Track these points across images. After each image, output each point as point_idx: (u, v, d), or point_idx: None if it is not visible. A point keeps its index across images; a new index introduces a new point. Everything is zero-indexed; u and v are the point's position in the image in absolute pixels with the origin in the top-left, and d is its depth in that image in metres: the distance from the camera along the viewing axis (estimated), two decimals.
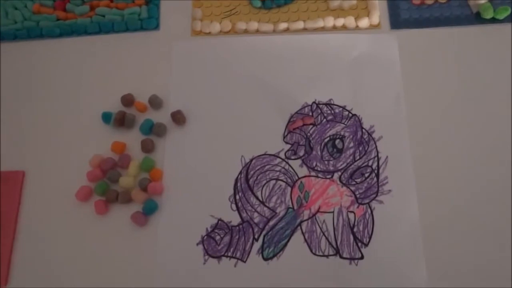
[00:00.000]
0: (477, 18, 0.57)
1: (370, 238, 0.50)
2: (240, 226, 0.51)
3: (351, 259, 0.49)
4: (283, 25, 0.59)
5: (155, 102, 0.55)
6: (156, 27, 0.60)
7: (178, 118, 0.54)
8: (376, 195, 0.51)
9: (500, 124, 0.53)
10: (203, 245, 0.50)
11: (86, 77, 0.58)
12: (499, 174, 0.51)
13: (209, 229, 0.51)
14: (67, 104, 0.57)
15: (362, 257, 0.49)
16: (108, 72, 0.58)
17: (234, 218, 0.51)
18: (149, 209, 0.51)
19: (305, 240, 0.50)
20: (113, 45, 0.60)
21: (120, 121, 0.54)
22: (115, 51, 0.59)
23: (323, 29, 0.59)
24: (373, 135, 0.54)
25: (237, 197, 0.52)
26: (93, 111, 0.56)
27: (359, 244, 0.49)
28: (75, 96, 0.57)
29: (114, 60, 0.59)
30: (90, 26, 0.60)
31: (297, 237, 0.50)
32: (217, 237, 0.50)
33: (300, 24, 0.59)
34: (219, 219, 0.51)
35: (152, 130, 0.54)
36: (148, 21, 0.60)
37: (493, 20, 0.57)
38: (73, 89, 0.58)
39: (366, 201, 0.51)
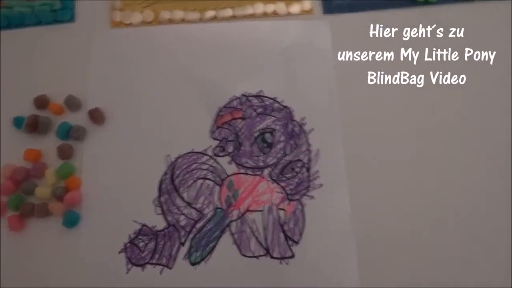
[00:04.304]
0: (412, 1, 0.55)
1: (301, 235, 0.48)
2: (166, 230, 0.48)
3: (282, 258, 0.47)
4: (210, 13, 0.56)
5: (73, 103, 0.52)
6: (71, 19, 0.56)
7: (96, 116, 0.51)
8: (307, 190, 0.49)
9: (436, 115, 0.51)
10: (126, 253, 0.47)
11: None
12: (432, 167, 0.50)
13: (132, 236, 0.48)
14: None
15: (292, 256, 0.47)
16: (19, 71, 0.54)
17: (159, 223, 0.48)
18: (70, 222, 0.48)
19: (235, 241, 0.48)
20: (24, 41, 0.55)
21: (33, 125, 0.50)
22: (26, 47, 0.55)
23: (252, 16, 0.56)
24: (304, 128, 0.51)
25: (162, 199, 0.49)
26: (3, 116, 0.52)
27: (290, 242, 0.48)
28: None
29: (25, 57, 0.54)
30: None
31: (226, 238, 0.48)
32: (141, 244, 0.48)
33: (228, 12, 0.56)
34: (143, 225, 0.48)
35: (70, 134, 0.50)
36: (62, 13, 0.55)
37: (426, 3, 0.55)
38: None
39: (297, 197, 0.49)
